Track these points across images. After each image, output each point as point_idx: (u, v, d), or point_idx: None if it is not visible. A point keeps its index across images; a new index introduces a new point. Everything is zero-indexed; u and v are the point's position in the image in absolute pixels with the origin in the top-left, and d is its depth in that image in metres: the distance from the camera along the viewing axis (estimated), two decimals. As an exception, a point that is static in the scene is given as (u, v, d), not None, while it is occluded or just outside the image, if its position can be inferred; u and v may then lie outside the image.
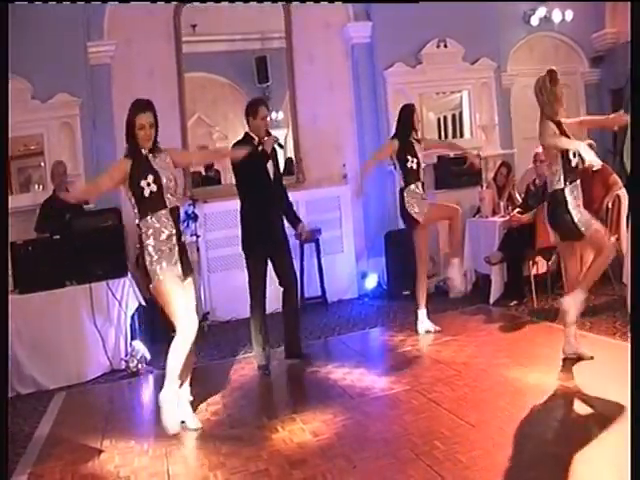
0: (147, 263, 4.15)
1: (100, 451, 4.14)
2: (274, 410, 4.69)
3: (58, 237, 5.89)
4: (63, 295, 5.74)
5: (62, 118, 7.17)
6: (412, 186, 5.97)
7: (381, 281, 8.04)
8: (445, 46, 8.29)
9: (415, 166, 5.97)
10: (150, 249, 4.14)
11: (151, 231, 4.16)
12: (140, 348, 5.95)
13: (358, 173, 8.22)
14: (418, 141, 6.09)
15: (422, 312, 6.18)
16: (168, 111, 7.66)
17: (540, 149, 6.92)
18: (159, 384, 5.54)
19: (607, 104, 9.57)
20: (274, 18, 8.07)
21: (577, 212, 4.67)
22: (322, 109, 8.21)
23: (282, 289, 5.55)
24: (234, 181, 5.52)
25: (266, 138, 5.31)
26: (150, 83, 7.60)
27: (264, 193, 5.36)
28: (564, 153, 4.68)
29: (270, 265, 5.47)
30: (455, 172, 7.95)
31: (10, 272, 5.69)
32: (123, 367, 5.84)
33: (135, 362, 5.82)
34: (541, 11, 8.98)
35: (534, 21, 9.05)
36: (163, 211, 4.16)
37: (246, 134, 5.44)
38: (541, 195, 6.41)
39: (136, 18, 7.52)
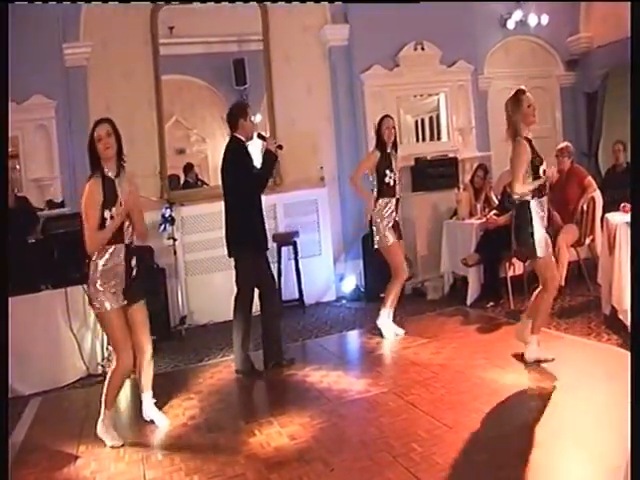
0: (90, 285, 4.11)
1: (76, 457, 4.10)
2: (251, 414, 4.68)
3: (33, 240, 5.84)
4: (38, 299, 5.68)
5: (38, 120, 7.13)
6: (383, 201, 6.00)
7: (359, 284, 8.05)
8: (422, 49, 8.33)
9: (392, 182, 6.01)
10: (97, 275, 4.09)
11: (101, 261, 4.09)
12: (117, 352, 5.91)
13: (335, 177, 8.29)
14: (395, 154, 6.13)
15: (385, 312, 6.19)
16: (145, 113, 7.66)
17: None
18: (135, 388, 5.55)
19: (582, 107, 9.67)
20: (251, 20, 8.05)
21: (538, 230, 4.71)
22: (300, 112, 8.21)
23: (259, 293, 5.48)
24: (224, 180, 5.44)
25: (268, 140, 5.35)
26: (127, 85, 7.57)
27: (255, 195, 5.36)
28: (535, 169, 4.72)
29: None
30: (432, 174, 8.00)
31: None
32: (100, 372, 5.78)
33: (112, 367, 5.78)
34: (517, 15, 9.05)
35: (510, 24, 9.12)
36: (119, 245, 4.13)
37: (233, 137, 5.39)
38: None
39: (112, 20, 7.47)
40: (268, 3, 8.03)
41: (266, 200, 5.68)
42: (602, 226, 5.85)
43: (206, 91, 8.56)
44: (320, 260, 8.03)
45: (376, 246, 6.08)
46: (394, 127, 6.12)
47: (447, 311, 6.88)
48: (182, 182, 8.20)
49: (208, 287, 7.19)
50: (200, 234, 7.42)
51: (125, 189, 4.16)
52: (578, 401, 4.06)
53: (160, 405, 4.85)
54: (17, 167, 7.13)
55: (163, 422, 4.49)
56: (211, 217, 7.31)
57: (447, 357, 5.30)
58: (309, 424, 4.21)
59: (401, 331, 6.14)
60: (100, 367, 5.81)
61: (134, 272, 4.27)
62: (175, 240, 7.11)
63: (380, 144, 6.06)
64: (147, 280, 4.68)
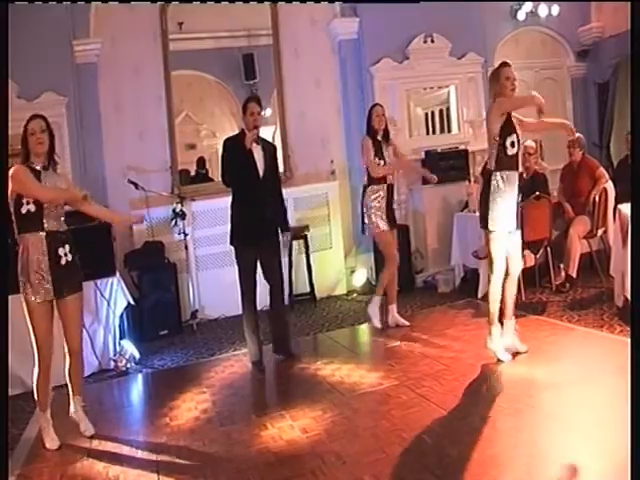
0: (20, 281, 4.10)
1: (89, 451, 4.13)
2: (263, 407, 4.69)
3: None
4: (51, 295, 5.69)
5: (49, 117, 7.08)
6: (372, 188, 6.01)
7: (369, 277, 8.04)
8: (432, 41, 8.29)
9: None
10: (19, 268, 4.09)
11: (25, 248, 4.07)
12: (129, 347, 5.94)
13: (346, 170, 8.28)
14: (388, 143, 6.11)
15: (375, 299, 6.23)
16: (155, 109, 7.67)
17: (529, 142, 6.97)
18: (148, 383, 5.58)
19: (593, 97, 9.62)
20: (261, 15, 8.04)
21: (495, 204, 4.72)
22: (309, 106, 8.20)
23: (269, 287, 5.55)
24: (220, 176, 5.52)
25: (250, 132, 5.33)
26: (137, 81, 7.58)
27: (250, 188, 5.35)
28: (500, 140, 4.71)
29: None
30: (442, 167, 7.96)
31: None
32: (112, 366, 5.82)
33: (124, 361, 5.81)
34: (528, 6, 9.00)
35: (520, 16, 9.07)
36: (39, 233, 4.06)
37: (241, 129, 5.49)
38: (529, 188, 6.43)
39: (122, 16, 7.48)
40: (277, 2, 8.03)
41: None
42: (614, 217, 5.81)
43: (216, 86, 8.57)
44: (331, 254, 8.03)
45: (365, 233, 6.18)
46: (384, 115, 6.10)
47: (458, 304, 6.86)
48: (194, 175, 8.21)
49: (219, 281, 7.20)
50: (211, 229, 7.43)
51: (53, 184, 4.15)
52: (590, 394, 4.05)
53: (173, 399, 4.90)
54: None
55: (89, 431, 4.36)
56: (222, 212, 7.27)
57: (458, 350, 5.29)
58: (321, 417, 4.22)
59: (403, 322, 6.17)
60: (112, 362, 5.83)
61: (62, 261, 4.14)
62: (186, 235, 7.12)
63: (371, 131, 6.06)
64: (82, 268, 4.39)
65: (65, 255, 4.15)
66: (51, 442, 4.21)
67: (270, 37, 8.11)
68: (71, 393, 4.40)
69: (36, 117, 4.18)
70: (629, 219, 5.10)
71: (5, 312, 4.23)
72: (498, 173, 4.72)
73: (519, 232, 4.94)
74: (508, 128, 4.70)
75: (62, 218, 4.22)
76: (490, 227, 4.74)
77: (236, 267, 5.45)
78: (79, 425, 4.38)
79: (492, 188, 4.73)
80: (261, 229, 5.38)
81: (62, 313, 4.23)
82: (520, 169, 4.85)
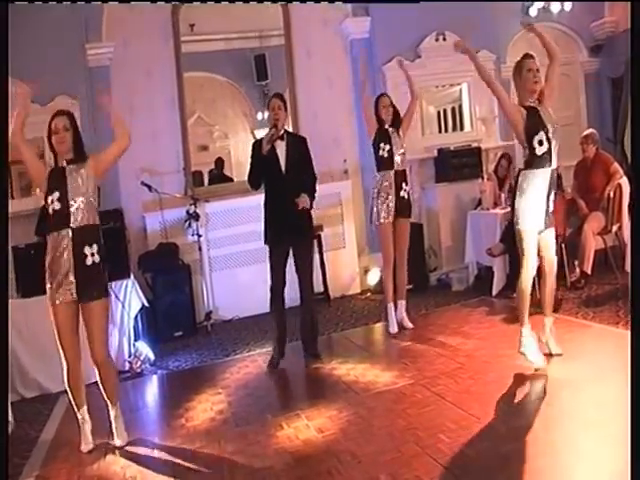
0: (47, 282, 4.02)
1: (106, 452, 4.15)
2: (278, 407, 4.69)
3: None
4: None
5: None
6: (379, 174, 6.02)
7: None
8: (444, 39, 8.28)
9: (386, 154, 5.97)
10: (48, 266, 4.00)
11: (51, 247, 3.98)
12: (144, 349, 5.97)
13: (359, 169, 8.27)
14: (397, 132, 6.08)
15: (388, 306, 6.16)
16: (168, 111, 7.70)
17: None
18: (163, 384, 5.60)
19: (607, 92, 9.56)
20: (272, 15, 8.06)
21: (521, 203, 4.56)
22: (322, 105, 8.20)
23: (298, 283, 5.54)
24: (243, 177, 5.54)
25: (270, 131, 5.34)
26: (149, 83, 7.62)
27: (274, 185, 5.39)
28: (528, 139, 4.53)
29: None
30: (455, 165, 7.95)
31: (13, 276, 5.71)
32: (127, 368, 5.85)
33: (139, 363, 5.84)
34: (540, 2, 8.95)
35: (533, 12, 9.00)
36: (64, 231, 3.93)
37: (270, 127, 5.46)
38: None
39: (134, 18, 7.52)
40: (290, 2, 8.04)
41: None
42: (630, 213, 5.77)
43: (228, 87, 8.60)
44: (344, 253, 8.02)
45: (370, 222, 6.13)
46: (391, 104, 6.10)
47: (472, 302, 6.85)
48: (209, 175, 8.25)
49: (233, 282, 7.22)
50: (225, 230, 7.44)
51: (82, 173, 4.03)
52: (606, 391, 4.02)
53: (188, 400, 4.92)
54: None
55: (120, 442, 4.21)
56: (236, 213, 7.36)
57: (473, 348, 5.28)
58: (336, 417, 4.21)
59: (407, 323, 6.12)
60: (127, 364, 5.85)
61: (88, 261, 3.98)
62: (200, 236, 7.15)
63: (378, 121, 6.05)
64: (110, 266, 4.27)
65: (92, 255, 3.98)
66: (85, 445, 4.14)
67: (282, 37, 8.12)
68: (107, 402, 4.26)
69: (60, 114, 4.12)
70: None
71: (5, 313, 4.24)
72: (526, 171, 4.55)
73: (552, 231, 4.74)
74: (533, 126, 4.50)
75: (95, 211, 4.06)
76: (518, 225, 4.59)
77: (251, 267, 5.45)
78: (114, 434, 4.24)
79: (519, 187, 4.57)
80: (290, 225, 5.34)
81: (86, 319, 4.07)
82: (554, 165, 4.55)
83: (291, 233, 5.37)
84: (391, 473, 3.34)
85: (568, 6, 8.99)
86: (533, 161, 4.51)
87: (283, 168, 5.37)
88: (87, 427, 4.21)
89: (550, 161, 4.51)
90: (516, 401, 4.10)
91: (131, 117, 7.49)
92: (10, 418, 4.68)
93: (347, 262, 8.03)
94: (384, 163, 5.99)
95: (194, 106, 8.15)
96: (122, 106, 7.41)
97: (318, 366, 5.38)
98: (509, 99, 4.68)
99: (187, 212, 7.08)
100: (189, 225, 7.09)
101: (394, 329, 6.05)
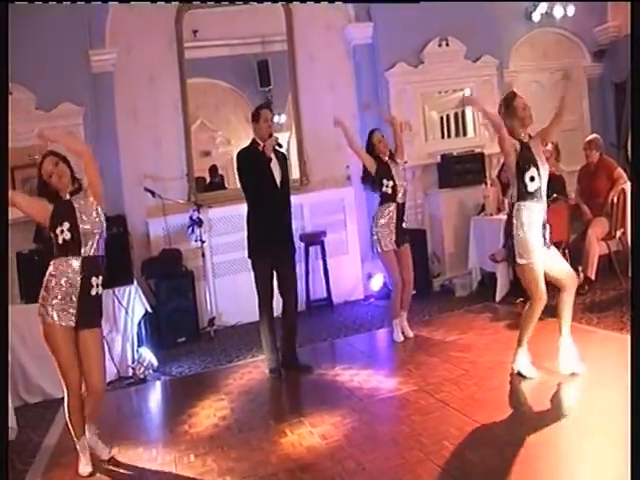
0: (40, 300, 3.87)
1: (109, 459, 4.13)
2: (282, 414, 4.68)
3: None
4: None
5: (66, 127, 7.14)
6: (382, 207, 5.97)
7: (387, 282, 8.01)
8: (447, 45, 8.28)
9: (390, 190, 5.93)
10: (49, 287, 3.86)
11: (58, 272, 3.86)
12: (147, 355, 5.97)
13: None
14: (395, 162, 6.03)
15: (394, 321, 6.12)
16: (171, 117, 7.71)
17: (548, 146, 6.93)
18: (166, 390, 5.60)
19: (610, 97, 9.56)
20: (275, 21, 8.06)
21: (520, 238, 4.41)
22: (325, 111, 8.16)
23: (282, 300, 5.50)
24: (239, 185, 5.50)
25: (267, 141, 5.29)
26: (152, 89, 7.63)
27: (269, 197, 5.33)
28: (520, 174, 4.42)
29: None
30: (458, 170, 7.95)
31: (16, 282, 5.72)
32: (130, 374, 5.85)
33: (142, 369, 5.83)
34: (542, 7, 8.95)
35: (535, 17, 9.01)
36: (74, 259, 3.85)
37: (252, 139, 5.42)
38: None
39: (137, 25, 7.53)
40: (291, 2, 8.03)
41: (293, 200, 5.65)
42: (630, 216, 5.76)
43: (231, 93, 8.61)
44: (348, 259, 8.01)
45: (375, 250, 6.09)
46: (383, 137, 6.09)
47: (476, 308, 6.84)
48: (208, 183, 8.24)
49: (236, 288, 7.21)
50: (228, 236, 7.43)
51: (86, 202, 3.96)
52: (610, 397, 4.00)
53: (191, 406, 4.91)
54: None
55: (105, 455, 4.13)
56: (238, 219, 7.30)
57: (477, 354, 5.26)
58: (340, 423, 4.20)
59: (408, 332, 6.07)
60: (130, 369, 5.85)
61: (93, 292, 3.92)
62: (203, 242, 7.15)
63: (373, 156, 6.03)
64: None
65: (97, 286, 3.94)
66: (83, 467, 3.98)
67: (284, 43, 8.12)
68: (87, 417, 4.07)
69: (46, 156, 3.97)
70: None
71: (5, 314, 4.24)
72: (520, 203, 4.42)
73: (552, 249, 4.59)
74: (525, 161, 4.40)
75: (103, 241, 4.00)
76: (518, 261, 4.45)
77: (252, 275, 5.44)
78: (95, 452, 4.13)
79: (514, 221, 4.42)
80: (279, 238, 5.35)
81: (83, 348, 3.93)
82: (544, 200, 4.48)
83: (278, 246, 5.35)
84: (395, 480, 3.33)
85: (571, 11, 8.99)
86: (527, 195, 4.41)
87: (278, 182, 5.36)
88: (87, 453, 4.05)
89: (542, 197, 4.44)
90: (520, 407, 4.08)
91: (134, 123, 7.56)
92: (13, 424, 4.68)
93: (350, 268, 8.02)
94: (387, 199, 5.95)
95: (197, 112, 8.15)
96: (125, 112, 7.48)
97: (321, 372, 5.37)
98: (510, 138, 4.51)
99: (190, 218, 7.08)
100: (192, 231, 7.09)
101: (399, 338, 6.03)
